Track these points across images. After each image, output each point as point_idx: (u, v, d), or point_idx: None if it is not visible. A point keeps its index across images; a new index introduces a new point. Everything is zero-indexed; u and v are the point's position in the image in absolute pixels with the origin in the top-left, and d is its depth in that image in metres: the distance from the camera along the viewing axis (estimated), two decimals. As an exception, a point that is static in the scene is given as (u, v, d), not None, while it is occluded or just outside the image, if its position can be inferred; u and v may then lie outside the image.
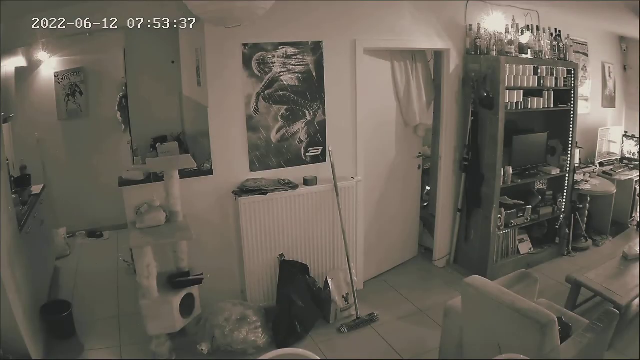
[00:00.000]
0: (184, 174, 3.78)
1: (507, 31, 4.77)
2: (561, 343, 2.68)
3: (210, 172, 4.00)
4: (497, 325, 2.73)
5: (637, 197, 6.19)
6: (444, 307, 3.32)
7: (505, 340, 2.67)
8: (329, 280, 4.18)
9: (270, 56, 3.97)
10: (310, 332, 4.02)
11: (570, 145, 5.33)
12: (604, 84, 6.63)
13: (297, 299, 3.91)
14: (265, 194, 3.97)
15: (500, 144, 4.65)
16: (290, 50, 4.03)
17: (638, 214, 6.29)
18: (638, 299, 3.95)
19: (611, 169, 6.23)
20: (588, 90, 6.36)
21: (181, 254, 3.67)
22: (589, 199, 5.68)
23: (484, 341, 2.83)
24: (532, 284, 3.32)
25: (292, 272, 4.07)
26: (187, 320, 3.62)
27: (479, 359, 2.85)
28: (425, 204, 5.78)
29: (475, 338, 2.96)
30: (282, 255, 4.16)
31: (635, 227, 6.21)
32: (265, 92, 4.01)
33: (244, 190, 3.99)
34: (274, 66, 4.00)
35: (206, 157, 4.07)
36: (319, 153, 4.33)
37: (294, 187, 4.11)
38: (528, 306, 2.62)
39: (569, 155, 5.35)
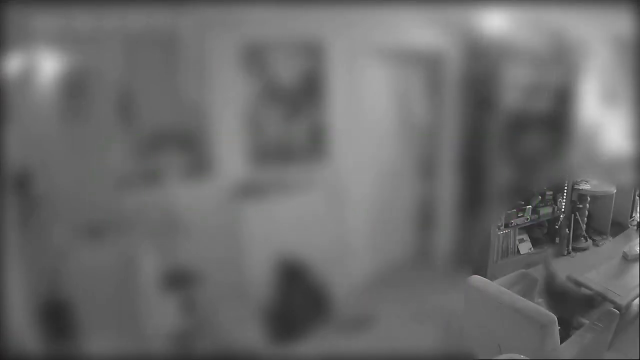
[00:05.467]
0: (184, 174, 3.77)
1: (508, 31, 4.76)
2: (561, 343, 2.68)
3: (210, 171, 4.00)
4: (497, 325, 2.73)
5: (637, 197, 6.20)
6: (444, 308, 3.32)
7: (505, 340, 2.67)
8: (331, 280, 4.18)
9: (269, 56, 3.96)
10: (310, 332, 4.02)
11: (570, 145, 5.33)
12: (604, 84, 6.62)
13: (298, 299, 3.91)
14: (267, 193, 3.97)
15: (502, 144, 4.65)
16: (289, 50, 4.02)
17: (638, 214, 6.29)
18: (638, 299, 3.95)
19: (611, 169, 6.23)
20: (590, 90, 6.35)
21: (182, 253, 3.67)
22: (589, 199, 5.68)
23: (484, 341, 2.83)
24: (532, 283, 3.32)
25: (293, 272, 4.07)
26: (186, 320, 3.62)
27: (479, 359, 2.86)
28: (426, 204, 5.76)
29: (475, 338, 2.96)
30: (283, 255, 4.16)
31: (636, 227, 6.21)
32: (264, 92, 4.01)
33: (244, 190, 3.98)
34: (272, 66, 3.99)
35: (205, 158, 4.07)
36: (320, 154, 4.33)
37: (296, 186, 4.10)
38: (528, 306, 2.62)
39: (570, 155, 5.35)
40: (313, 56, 4.12)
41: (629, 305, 3.87)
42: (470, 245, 5.10)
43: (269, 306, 4.14)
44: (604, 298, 3.89)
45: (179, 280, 3.58)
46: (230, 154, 4.05)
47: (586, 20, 5.62)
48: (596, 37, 6.24)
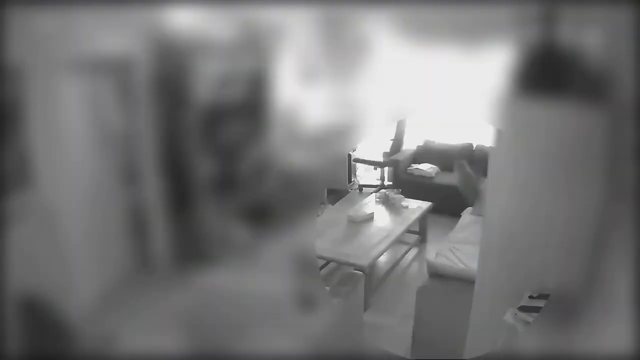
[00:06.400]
0: None
1: (196, 26, 4.53)
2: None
3: None
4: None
5: (352, 163, 6.48)
6: (179, 311, 2.92)
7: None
8: (64, 307, 3.53)
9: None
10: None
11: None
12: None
13: (39, 334, 3.19)
14: None
15: (200, 139, 4.43)
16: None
17: (356, 178, 6.65)
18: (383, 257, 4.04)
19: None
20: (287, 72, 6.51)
21: None
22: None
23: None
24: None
25: (25, 308, 3.35)
26: None
27: None
28: (136, 210, 5.29)
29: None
30: (11, 293, 3.40)
31: (357, 190, 6.51)
32: None
33: None
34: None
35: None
36: (27, 182, 3.55)
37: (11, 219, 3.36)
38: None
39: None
40: (8, 79, 3.30)
41: (372, 265, 3.90)
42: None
43: (16, 348, 3.39)
44: (343, 263, 3.90)
45: None
46: None
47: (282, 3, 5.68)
48: (293, 18, 6.38)
